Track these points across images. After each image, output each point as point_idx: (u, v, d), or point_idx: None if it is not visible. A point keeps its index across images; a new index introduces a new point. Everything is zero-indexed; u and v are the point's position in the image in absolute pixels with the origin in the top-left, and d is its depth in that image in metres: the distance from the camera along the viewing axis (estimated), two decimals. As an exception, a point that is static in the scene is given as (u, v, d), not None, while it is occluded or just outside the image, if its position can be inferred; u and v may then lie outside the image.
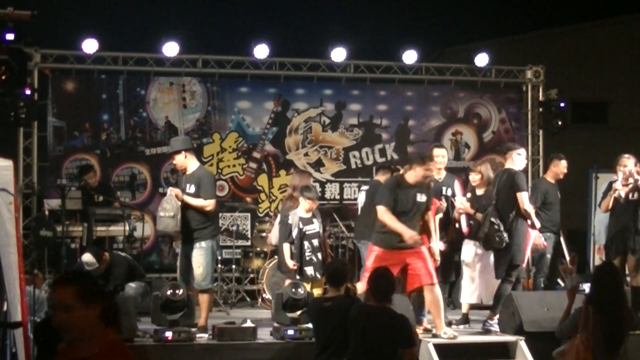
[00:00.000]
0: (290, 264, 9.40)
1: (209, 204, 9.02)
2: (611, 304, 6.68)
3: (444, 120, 13.94)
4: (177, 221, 8.99)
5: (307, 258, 9.44)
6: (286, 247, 9.49)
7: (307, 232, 9.51)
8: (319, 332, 7.22)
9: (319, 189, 12.73)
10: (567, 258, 11.84)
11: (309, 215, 9.53)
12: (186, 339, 8.56)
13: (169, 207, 9.03)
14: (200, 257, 9.04)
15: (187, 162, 9.15)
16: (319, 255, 9.51)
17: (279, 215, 10.44)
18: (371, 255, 8.67)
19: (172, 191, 9.11)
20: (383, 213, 8.53)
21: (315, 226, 9.54)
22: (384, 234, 8.58)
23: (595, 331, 6.58)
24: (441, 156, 9.99)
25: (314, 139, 13.41)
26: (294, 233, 9.43)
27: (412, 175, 8.59)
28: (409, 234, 8.40)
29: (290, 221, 9.47)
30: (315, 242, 9.53)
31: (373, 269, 7.56)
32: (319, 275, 9.40)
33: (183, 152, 9.14)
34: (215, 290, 10.57)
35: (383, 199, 8.60)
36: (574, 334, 6.72)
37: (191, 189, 9.06)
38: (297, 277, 9.36)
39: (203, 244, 9.06)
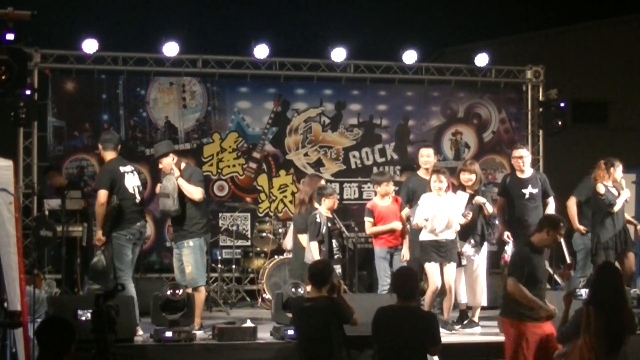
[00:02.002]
0: None
1: (198, 191, 9.20)
2: (612, 304, 6.65)
3: (444, 120, 13.93)
4: (174, 200, 9.17)
5: (335, 256, 9.49)
6: (315, 245, 9.45)
7: (334, 231, 9.56)
8: (300, 332, 7.27)
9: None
10: (568, 261, 11.87)
11: (332, 215, 9.65)
12: (186, 339, 8.57)
13: (167, 186, 9.26)
14: (188, 257, 9.22)
15: (174, 163, 9.36)
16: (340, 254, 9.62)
17: (292, 223, 10.50)
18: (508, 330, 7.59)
19: (172, 172, 9.27)
20: (514, 285, 7.33)
21: (337, 225, 9.64)
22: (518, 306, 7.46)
23: (598, 332, 6.56)
24: (426, 155, 10.06)
25: (313, 139, 13.41)
26: (323, 231, 9.47)
27: (543, 239, 7.55)
28: (546, 311, 7.35)
29: (318, 219, 9.49)
30: (340, 240, 9.61)
31: (398, 270, 7.51)
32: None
33: (170, 155, 9.38)
34: (210, 288, 10.56)
35: (513, 270, 7.45)
36: (575, 336, 6.69)
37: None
38: None
39: (191, 242, 9.23)
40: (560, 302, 7.22)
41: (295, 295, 8.82)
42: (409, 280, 6.82)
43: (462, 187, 9.82)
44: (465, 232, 9.61)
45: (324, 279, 7.19)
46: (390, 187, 9.97)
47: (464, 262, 9.47)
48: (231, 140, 13.16)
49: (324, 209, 9.60)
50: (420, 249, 9.49)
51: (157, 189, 9.49)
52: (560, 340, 6.91)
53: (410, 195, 9.94)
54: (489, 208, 9.72)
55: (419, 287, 7.13)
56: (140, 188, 9.44)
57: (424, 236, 9.42)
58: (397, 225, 9.84)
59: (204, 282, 9.36)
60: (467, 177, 9.80)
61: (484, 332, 9.53)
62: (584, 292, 7.07)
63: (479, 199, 9.68)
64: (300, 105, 13.45)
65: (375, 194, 10.34)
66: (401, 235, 9.91)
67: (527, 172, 10.20)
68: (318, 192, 9.80)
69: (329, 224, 9.54)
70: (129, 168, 9.35)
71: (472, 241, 9.63)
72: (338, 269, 9.45)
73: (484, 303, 9.76)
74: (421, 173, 10.11)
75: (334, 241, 9.55)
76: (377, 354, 6.73)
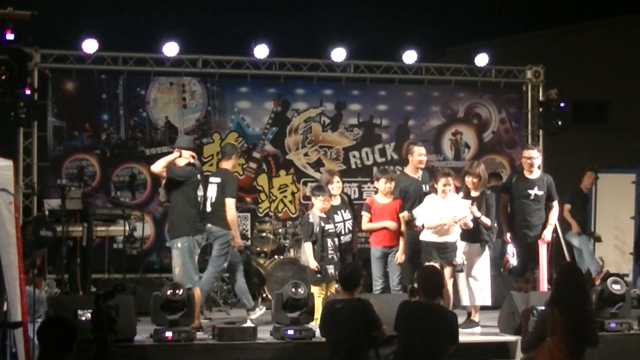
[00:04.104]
0: (314, 264, 9.42)
1: (162, 170, 9.17)
2: (575, 305, 6.66)
3: (444, 120, 13.94)
4: (165, 191, 9.45)
5: (330, 257, 9.49)
6: (309, 246, 9.50)
7: (329, 231, 9.55)
8: (330, 333, 7.27)
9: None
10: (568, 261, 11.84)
11: (325, 215, 9.62)
12: (186, 339, 8.56)
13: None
14: (177, 258, 9.19)
15: (180, 160, 9.30)
16: (338, 254, 9.59)
17: None
18: None
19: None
20: None
21: (332, 225, 9.61)
22: None
23: (564, 333, 6.56)
24: (424, 155, 10.21)
25: (314, 139, 13.41)
26: (316, 231, 9.48)
27: None
28: None
29: (311, 220, 9.51)
30: (336, 240, 9.59)
31: (424, 268, 7.70)
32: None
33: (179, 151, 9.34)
34: (212, 289, 10.53)
35: None
36: (542, 340, 6.67)
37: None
38: (318, 275, 9.41)
39: (179, 243, 9.17)
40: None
41: (295, 296, 8.85)
42: (433, 278, 6.92)
43: (467, 190, 9.81)
44: (471, 235, 9.60)
45: (354, 282, 7.29)
46: (388, 186, 9.91)
47: (458, 268, 9.46)
48: (231, 140, 13.14)
49: (316, 210, 9.60)
50: (421, 249, 9.51)
51: None
52: (527, 350, 6.88)
53: (402, 196, 9.97)
54: (487, 221, 9.66)
55: (443, 286, 7.20)
56: (202, 198, 9.53)
57: (426, 237, 9.43)
58: (389, 224, 9.81)
59: (192, 284, 9.11)
60: (471, 180, 9.77)
61: (484, 332, 9.53)
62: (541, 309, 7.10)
63: (476, 213, 9.60)
64: (300, 105, 13.46)
65: (376, 192, 10.34)
66: (399, 235, 9.88)
67: (535, 173, 10.18)
68: (310, 192, 9.84)
69: (322, 224, 9.53)
70: (214, 179, 9.89)
71: (462, 256, 9.53)
72: (331, 269, 9.43)
73: (488, 303, 9.73)
74: (409, 171, 10.16)
75: (328, 240, 9.53)
76: (398, 348, 6.83)
